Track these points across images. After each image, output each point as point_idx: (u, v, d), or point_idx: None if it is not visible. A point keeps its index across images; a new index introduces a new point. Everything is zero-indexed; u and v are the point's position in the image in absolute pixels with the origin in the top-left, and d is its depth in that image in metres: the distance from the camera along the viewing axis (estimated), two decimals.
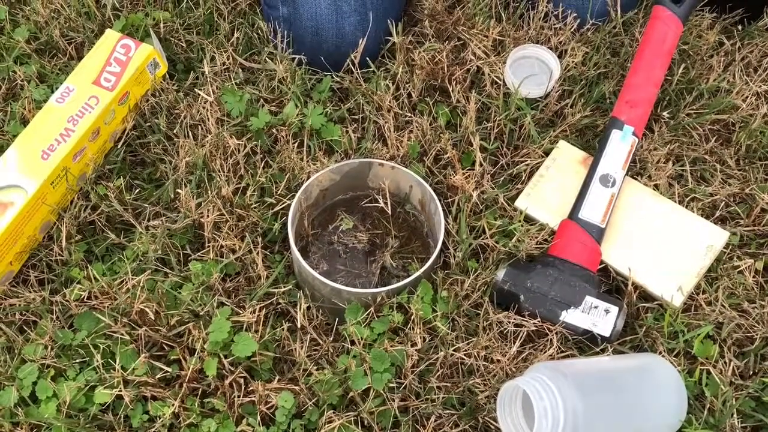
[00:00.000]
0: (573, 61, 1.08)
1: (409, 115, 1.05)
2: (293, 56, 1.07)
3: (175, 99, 1.07)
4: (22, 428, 0.84)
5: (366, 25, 1.04)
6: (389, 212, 0.99)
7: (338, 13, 1.02)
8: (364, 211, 1.01)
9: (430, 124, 1.04)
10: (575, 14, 1.09)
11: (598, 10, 1.10)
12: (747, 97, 1.08)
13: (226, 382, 0.85)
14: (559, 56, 1.10)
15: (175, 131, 1.04)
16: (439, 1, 1.12)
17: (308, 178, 0.96)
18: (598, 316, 0.89)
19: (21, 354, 0.88)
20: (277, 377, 0.86)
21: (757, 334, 0.90)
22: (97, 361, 0.86)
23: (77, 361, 0.87)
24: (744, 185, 1.02)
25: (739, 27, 1.15)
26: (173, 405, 0.84)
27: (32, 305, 0.92)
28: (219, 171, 0.99)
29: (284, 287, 0.92)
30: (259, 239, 0.96)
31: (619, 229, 0.97)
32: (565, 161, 1.02)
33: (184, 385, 0.85)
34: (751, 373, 0.89)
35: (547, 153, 1.03)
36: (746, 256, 0.97)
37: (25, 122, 1.04)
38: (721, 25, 1.15)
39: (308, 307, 0.91)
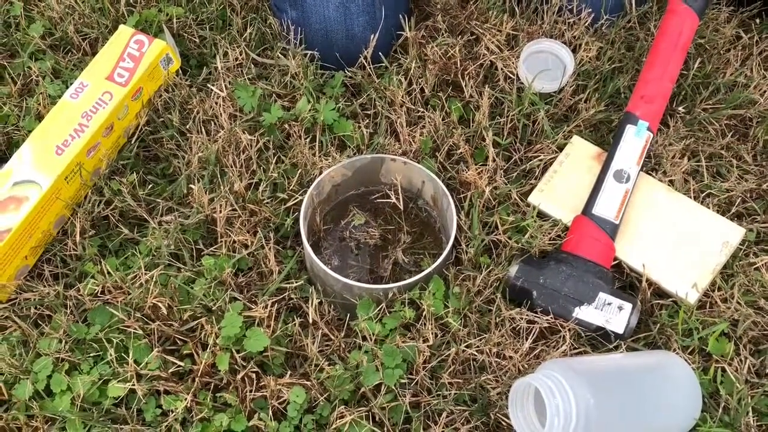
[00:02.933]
0: (587, 56, 1.08)
1: (422, 110, 1.05)
2: (306, 52, 1.07)
3: (188, 94, 1.07)
4: (36, 421, 0.85)
5: (375, 24, 1.04)
6: (401, 208, 0.99)
7: (347, 14, 1.02)
8: (376, 206, 1.01)
9: (442, 120, 1.03)
10: (589, 9, 1.08)
11: (612, 4, 1.09)
12: (765, 91, 1.07)
13: (238, 376, 0.85)
14: (573, 51, 1.09)
15: (188, 127, 1.05)
16: None
17: (320, 173, 0.96)
18: (611, 313, 0.88)
19: (36, 348, 0.89)
20: (289, 372, 0.87)
21: None
22: (111, 355, 0.86)
23: (91, 355, 0.88)
24: (761, 181, 1.01)
25: (757, 20, 1.14)
26: (186, 399, 0.84)
27: (47, 299, 0.93)
28: (231, 166, 0.99)
29: (296, 282, 0.92)
30: (272, 234, 0.96)
31: (633, 226, 0.96)
32: (578, 157, 1.01)
33: (197, 379, 0.86)
34: (767, 371, 0.88)
35: (560, 148, 1.02)
36: (763, 252, 0.96)
37: (39, 118, 1.05)
38: (738, 19, 1.13)
39: (320, 303, 0.91)
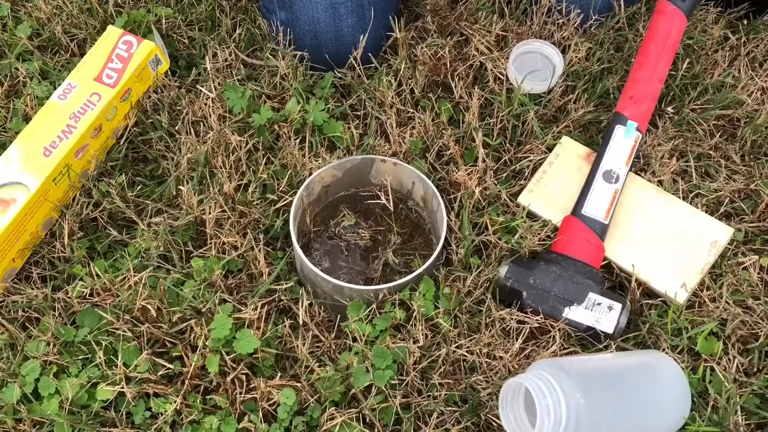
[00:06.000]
0: (576, 57, 1.08)
1: (412, 111, 1.05)
2: (295, 52, 1.07)
3: (177, 95, 1.07)
4: (24, 425, 0.85)
5: (364, 25, 1.04)
6: (391, 209, 0.99)
7: (336, 16, 1.02)
8: (366, 207, 1.01)
9: (432, 120, 1.03)
10: (578, 9, 1.09)
11: (601, 4, 1.09)
12: (752, 92, 1.07)
13: (228, 378, 0.85)
14: (563, 51, 1.10)
15: (177, 128, 1.04)
16: None
17: (310, 174, 0.96)
18: (601, 313, 0.88)
19: (23, 351, 0.88)
20: (279, 374, 0.86)
21: (761, 331, 0.90)
22: (100, 357, 0.86)
23: (79, 357, 0.88)
24: (749, 181, 1.01)
25: (745, 21, 1.15)
26: (175, 402, 0.84)
27: (35, 302, 0.92)
28: (221, 168, 0.99)
29: (286, 284, 0.92)
30: (261, 236, 0.95)
31: (622, 226, 0.96)
32: (568, 157, 1.02)
33: (186, 381, 0.85)
34: (755, 370, 0.89)
35: (550, 149, 1.03)
36: (751, 252, 0.96)
37: (27, 119, 1.04)
38: (726, 20, 1.14)
39: (310, 304, 0.91)
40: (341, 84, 1.09)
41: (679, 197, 0.99)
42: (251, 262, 0.94)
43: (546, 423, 0.74)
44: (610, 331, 0.88)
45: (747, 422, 0.85)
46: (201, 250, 0.95)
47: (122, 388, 0.84)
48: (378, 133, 1.04)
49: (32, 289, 0.93)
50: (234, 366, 0.85)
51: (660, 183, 1.00)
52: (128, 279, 0.91)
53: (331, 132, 1.03)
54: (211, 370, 0.84)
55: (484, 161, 1.00)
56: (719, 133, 1.05)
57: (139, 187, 1.01)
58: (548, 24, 1.11)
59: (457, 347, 0.88)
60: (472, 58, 1.08)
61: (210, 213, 0.94)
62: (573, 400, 0.74)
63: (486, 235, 0.95)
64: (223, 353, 0.85)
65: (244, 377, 0.86)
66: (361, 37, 1.04)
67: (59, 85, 1.03)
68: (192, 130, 1.03)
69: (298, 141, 1.02)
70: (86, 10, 1.14)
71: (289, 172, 0.99)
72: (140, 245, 0.94)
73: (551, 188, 0.99)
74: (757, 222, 0.99)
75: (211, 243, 0.94)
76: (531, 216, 0.98)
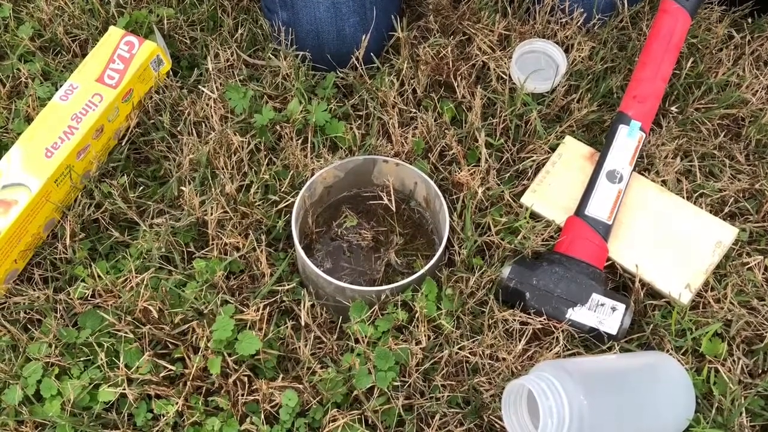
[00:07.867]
0: (580, 56, 1.07)
1: (414, 111, 1.05)
2: (297, 53, 1.07)
3: (179, 96, 1.06)
4: (26, 426, 0.85)
5: (366, 25, 1.03)
6: (394, 209, 0.99)
7: (337, 15, 1.01)
8: (368, 208, 1.00)
9: (435, 120, 1.03)
10: (581, 8, 1.08)
11: (604, 3, 1.09)
12: (757, 91, 1.07)
13: (230, 380, 0.85)
14: (566, 51, 1.09)
15: (178, 128, 1.04)
16: None
17: (312, 175, 0.96)
18: (604, 314, 0.88)
19: (25, 352, 0.88)
20: (281, 375, 0.86)
21: (766, 332, 0.89)
22: (101, 359, 0.86)
23: (81, 359, 0.88)
24: (753, 181, 1.01)
25: (749, 20, 1.14)
26: (177, 403, 0.84)
27: (36, 303, 0.92)
28: (223, 168, 0.99)
29: (288, 285, 0.92)
30: (263, 237, 0.95)
31: (626, 226, 0.96)
32: (571, 157, 1.01)
33: (188, 383, 0.85)
34: (760, 371, 0.88)
35: (553, 149, 1.02)
36: (756, 252, 0.96)
37: (29, 120, 1.04)
38: (730, 19, 1.13)
39: (312, 305, 0.90)
40: (343, 84, 1.08)
41: (683, 197, 0.98)
42: (253, 264, 0.93)
43: (549, 425, 0.73)
44: (614, 332, 0.87)
45: (752, 424, 0.85)
46: (203, 251, 0.95)
47: (124, 389, 0.84)
48: (380, 134, 1.04)
49: (34, 290, 0.93)
50: (236, 367, 0.85)
51: (664, 183, 1.00)
52: (130, 280, 0.91)
53: (333, 132, 1.02)
54: (213, 372, 0.84)
55: (486, 161, 0.99)
56: (723, 133, 1.04)
57: (141, 188, 1.00)
58: (551, 23, 1.11)
59: (459, 348, 0.87)
60: (475, 58, 1.08)
61: (212, 214, 0.94)
62: (576, 401, 0.73)
63: (489, 236, 0.94)
64: (225, 355, 0.85)
65: (246, 379, 0.85)
66: (363, 36, 1.04)
67: (61, 85, 1.03)
68: (194, 131, 1.03)
69: (300, 141, 1.01)
70: (88, 10, 1.14)
71: (291, 173, 0.99)
72: (142, 246, 0.94)
73: (554, 188, 0.99)
74: (761, 222, 0.98)
75: (212, 244, 0.94)
76: (534, 216, 0.98)
